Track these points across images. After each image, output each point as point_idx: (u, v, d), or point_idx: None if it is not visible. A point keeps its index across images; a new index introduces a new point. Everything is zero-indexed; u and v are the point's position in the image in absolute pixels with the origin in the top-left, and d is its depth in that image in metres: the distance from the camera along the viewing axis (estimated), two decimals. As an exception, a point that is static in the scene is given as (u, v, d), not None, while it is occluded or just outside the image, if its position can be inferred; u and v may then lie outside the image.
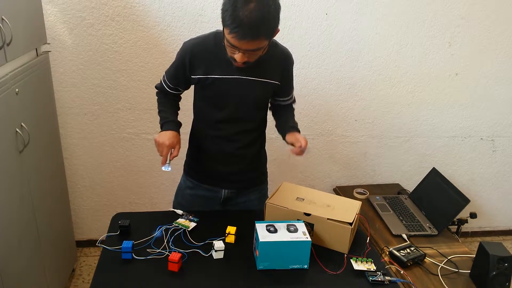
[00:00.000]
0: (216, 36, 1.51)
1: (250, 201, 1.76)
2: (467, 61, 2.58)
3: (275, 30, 1.37)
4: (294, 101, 1.76)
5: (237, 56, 1.37)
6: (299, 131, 1.65)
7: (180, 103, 1.72)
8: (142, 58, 2.30)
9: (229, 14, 1.28)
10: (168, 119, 1.58)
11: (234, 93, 1.54)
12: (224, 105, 1.57)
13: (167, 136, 1.50)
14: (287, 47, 1.61)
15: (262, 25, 1.30)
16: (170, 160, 1.50)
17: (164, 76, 1.64)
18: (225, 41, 1.38)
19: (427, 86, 2.61)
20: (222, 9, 1.32)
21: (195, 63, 1.52)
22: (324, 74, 2.48)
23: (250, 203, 1.76)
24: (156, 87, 1.68)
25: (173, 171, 1.52)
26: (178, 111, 1.68)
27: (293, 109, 1.76)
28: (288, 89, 1.70)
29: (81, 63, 2.27)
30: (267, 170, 1.84)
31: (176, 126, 1.58)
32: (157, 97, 1.68)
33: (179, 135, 1.55)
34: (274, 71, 1.56)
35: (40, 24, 1.92)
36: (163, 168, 1.49)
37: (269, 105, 1.74)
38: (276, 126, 1.73)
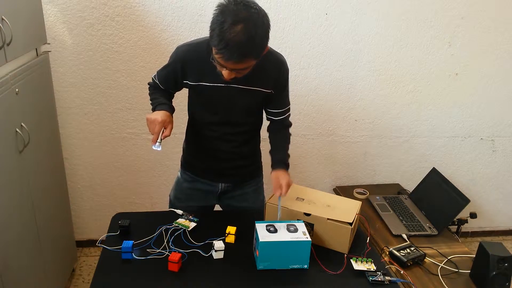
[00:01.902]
0: (209, 43, 1.44)
1: (246, 193, 1.78)
2: (467, 61, 2.58)
3: (263, 51, 1.35)
4: (289, 121, 1.70)
5: (225, 73, 1.35)
6: (287, 166, 1.63)
7: (177, 102, 1.71)
8: (142, 58, 2.30)
9: (216, 34, 1.26)
10: (161, 102, 1.54)
11: (225, 100, 1.54)
12: (215, 110, 1.57)
13: (159, 114, 1.45)
14: (282, 54, 1.57)
15: (249, 47, 1.27)
16: (161, 139, 1.44)
17: (156, 76, 1.62)
18: (212, 57, 1.36)
19: (427, 86, 2.61)
20: (210, 27, 1.30)
21: (187, 70, 1.51)
22: (324, 74, 2.48)
23: (246, 196, 1.78)
24: (148, 83, 1.66)
25: (162, 151, 1.47)
26: (171, 104, 1.63)
27: (286, 135, 1.70)
28: (282, 100, 1.65)
29: (81, 63, 2.27)
30: (262, 164, 1.84)
31: (169, 108, 1.53)
32: (149, 91, 1.65)
33: (172, 117, 1.50)
34: (267, 79, 1.54)
35: (40, 24, 1.92)
36: (153, 147, 1.43)
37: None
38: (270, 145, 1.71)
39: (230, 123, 1.60)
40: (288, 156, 1.68)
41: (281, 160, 1.64)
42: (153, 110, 1.54)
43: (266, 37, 1.32)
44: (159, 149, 1.43)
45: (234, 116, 1.59)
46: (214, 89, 1.50)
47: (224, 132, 1.62)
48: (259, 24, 1.28)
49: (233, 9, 1.26)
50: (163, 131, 1.43)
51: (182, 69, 1.51)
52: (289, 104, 1.69)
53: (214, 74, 1.43)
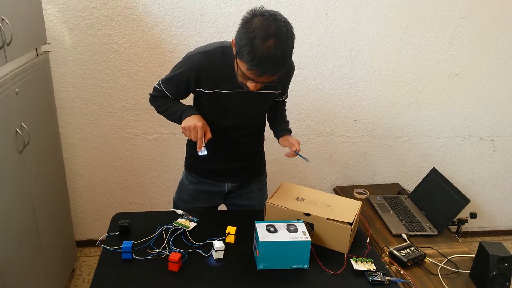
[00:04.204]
0: (223, 51, 1.45)
1: (252, 191, 1.79)
2: (467, 61, 2.58)
3: (291, 60, 1.37)
4: (286, 96, 1.80)
5: (251, 85, 1.35)
6: (290, 132, 1.74)
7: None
8: (142, 58, 2.30)
9: (247, 51, 1.24)
10: (184, 107, 1.52)
11: (238, 105, 1.54)
12: (227, 116, 1.57)
13: (196, 119, 1.43)
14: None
15: (281, 62, 1.28)
16: (205, 143, 1.43)
17: (161, 85, 1.56)
18: (238, 71, 1.34)
19: (427, 86, 2.61)
20: (238, 42, 1.28)
21: (201, 79, 1.48)
22: (324, 74, 2.48)
23: (252, 194, 1.79)
24: (152, 94, 1.60)
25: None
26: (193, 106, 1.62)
27: (285, 105, 1.80)
28: (285, 91, 1.72)
29: (81, 63, 2.27)
30: (266, 163, 1.87)
31: (196, 110, 1.51)
32: (156, 103, 1.60)
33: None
34: (279, 82, 1.55)
35: (40, 24, 1.92)
36: (200, 153, 1.43)
37: None
38: (269, 124, 1.79)
39: (240, 127, 1.61)
40: (288, 123, 1.78)
41: (285, 129, 1.73)
42: (179, 117, 1.50)
43: (293, 48, 1.32)
44: (206, 153, 1.44)
45: (244, 119, 1.60)
46: (229, 96, 1.50)
47: (233, 135, 1.62)
48: (289, 37, 1.28)
49: (261, 23, 1.24)
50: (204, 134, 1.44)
51: (197, 78, 1.48)
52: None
53: (228, 82, 1.43)
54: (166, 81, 1.56)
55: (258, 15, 1.26)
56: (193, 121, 1.43)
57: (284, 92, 1.71)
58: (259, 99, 1.54)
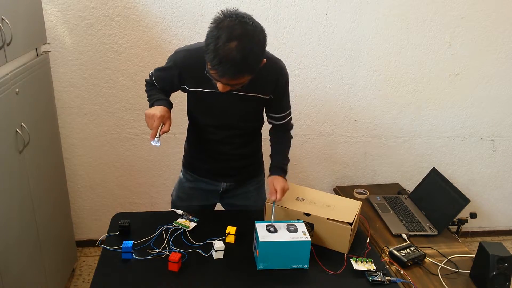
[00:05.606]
0: None
1: (249, 192, 1.78)
2: (467, 61, 2.58)
3: (258, 66, 1.32)
4: (290, 124, 1.70)
5: (219, 86, 1.34)
6: (285, 172, 1.63)
7: (177, 102, 1.71)
8: (142, 58, 2.30)
9: (210, 50, 1.24)
10: (159, 97, 1.53)
11: (223, 106, 1.53)
12: (214, 115, 1.57)
13: (158, 109, 1.43)
14: (282, 54, 1.55)
15: (243, 65, 1.25)
16: (160, 135, 1.42)
17: (153, 74, 1.60)
18: (207, 70, 1.34)
19: (427, 86, 2.61)
20: (206, 41, 1.28)
21: (184, 76, 1.51)
22: (324, 74, 2.48)
23: (248, 194, 1.78)
24: (146, 80, 1.65)
25: (162, 151, 1.46)
26: (168, 100, 1.60)
27: (287, 138, 1.71)
28: (282, 105, 1.64)
29: (81, 63, 2.27)
30: (263, 162, 1.85)
31: (167, 104, 1.51)
32: (146, 88, 1.64)
33: (170, 113, 1.49)
34: (266, 85, 1.53)
35: (40, 24, 1.92)
36: (152, 142, 1.42)
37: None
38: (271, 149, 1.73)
39: (230, 127, 1.60)
40: (287, 160, 1.68)
41: (278, 166, 1.64)
42: (151, 105, 1.52)
43: (261, 54, 1.30)
44: (158, 144, 1.43)
45: (233, 121, 1.59)
46: (212, 96, 1.49)
47: (224, 135, 1.62)
48: (255, 41, 1.26)
49: (228, 25, 1.24)
50: (162, 126, 1.42)
51: (180, 75, 1.51)
52: (290, 107, 1.68)
53: (211, 81, 1.41)
54: (156, 71, 1.59)
55: (228, 17, 1.26)
56: (155, 110, 1.43)
57: (278, 104, 1.62)
58: (244, 101, 1.51)
